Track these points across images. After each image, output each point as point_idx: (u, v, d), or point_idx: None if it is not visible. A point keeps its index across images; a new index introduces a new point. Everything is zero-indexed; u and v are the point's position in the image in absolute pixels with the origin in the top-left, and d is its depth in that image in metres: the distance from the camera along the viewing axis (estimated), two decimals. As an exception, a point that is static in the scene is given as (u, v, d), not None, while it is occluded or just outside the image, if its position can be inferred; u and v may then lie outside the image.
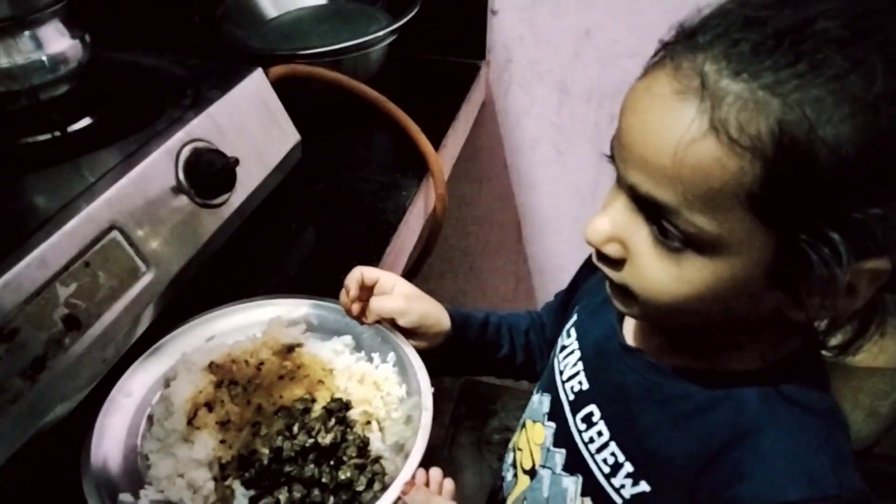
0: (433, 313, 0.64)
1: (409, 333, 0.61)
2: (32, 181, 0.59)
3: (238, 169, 0.67)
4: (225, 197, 0.67)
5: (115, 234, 0.56)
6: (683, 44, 0.40)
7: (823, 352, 0.48)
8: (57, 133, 0.62)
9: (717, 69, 0.37)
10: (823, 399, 0.47)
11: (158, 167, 0.62)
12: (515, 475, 0.64)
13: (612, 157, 0.45)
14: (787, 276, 0.40)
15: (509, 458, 0.67)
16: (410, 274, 1.01)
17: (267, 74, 0.78)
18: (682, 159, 0.38)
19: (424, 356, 0.59)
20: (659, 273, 0.43)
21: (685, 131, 0.38)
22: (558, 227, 1.39)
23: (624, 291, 0.46)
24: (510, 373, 0.74)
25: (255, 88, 0.75)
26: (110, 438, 0.52)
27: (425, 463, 0.52)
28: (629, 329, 0.55)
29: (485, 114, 1.25)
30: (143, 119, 0.66)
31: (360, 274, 0.62)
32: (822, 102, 0.35)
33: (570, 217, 1.36)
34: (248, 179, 0.71)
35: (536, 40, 1.17)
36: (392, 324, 0.61)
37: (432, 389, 0.55)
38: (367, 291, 0.62)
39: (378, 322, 0.61)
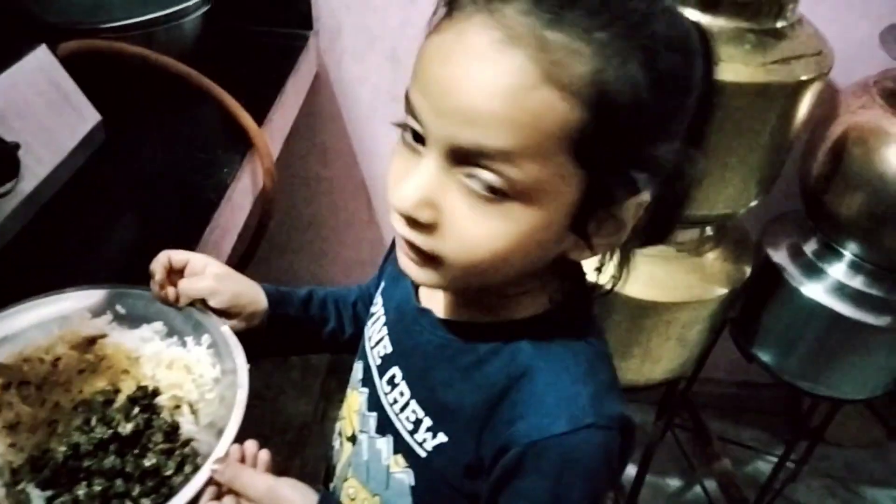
0: (247, 292, 0.63)
1: (223, 314, 0.60)
2: None
3: (22, 154, 0.62)
4: (9, 186, 0.62)
5: None
6: None
7: (598, 286, 0.53)
8: None
9: (534, 18, 0.38)
10: (587, 335, 0.51)
11: (-80, 158, 0.56)
12: (341, 444, 0.65)
13: (411, 115, 0.43)
14: (584, 217, 0.44)
15: (336, 427, 0.68)
16: (247, 254, 0.98)
17: (56, 50, 0.72)
18: (516, 104, 0.39)
19: (245, 337, 0.59)
20: (476, 229, 0.42)
21: (515, 78, 0.38)
22: (405, 194, 1.40)
23: (429, 260, 0.45)
24: (342, 347, 0.73)
25: (40, 66, 0.69)
26: None
27: (262, 439, 0.52)
28: (423, 291, 0.57)
29: (319, 84, 1.23)
30: None
31: (166, 258, 0.60)
32: (623, 49, 0.39)
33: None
34: (38, 165, 0.66)
35: (364, 8, 1.16)
36: (205, 305, 0.60)
37: (248, 366, 0.55)
38: (177, 275, 0.61)
39: (191, 305, 0.60)
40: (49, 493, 0.47)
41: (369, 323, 0.63)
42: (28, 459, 0.47)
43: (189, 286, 0.59)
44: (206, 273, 0.61)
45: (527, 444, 0.46)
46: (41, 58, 0.69)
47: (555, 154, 0.40)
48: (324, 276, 1.58)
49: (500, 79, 0.39)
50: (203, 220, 0.75)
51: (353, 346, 0.72)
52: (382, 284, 0.65)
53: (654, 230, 0.48)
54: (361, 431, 0.61)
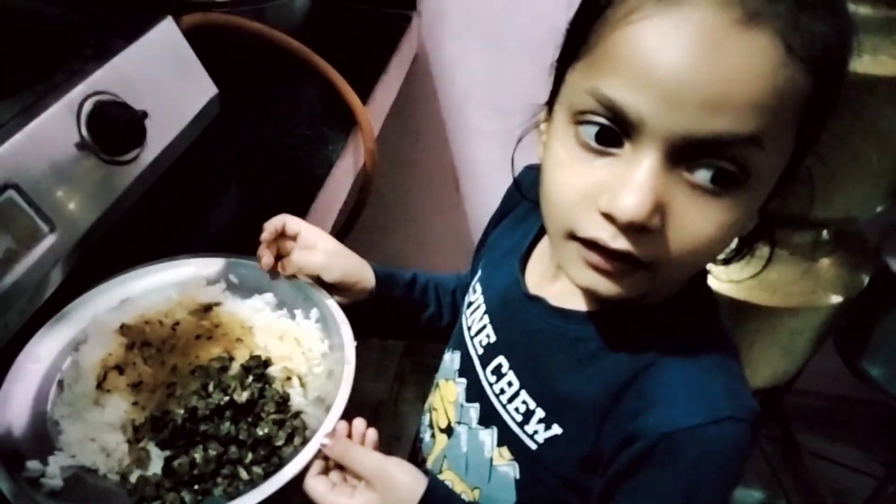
0: (356, 270, 0.63)
1: (331, 289, 0.61)
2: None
3: (148, 123, 0.64)
4: (135, 153, 0.64)
5: (10, 193, 0.53)
6: None
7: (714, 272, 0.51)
8: (-58, 85, 0.58)
9: None
10: (715, 325, 0.49)
11: (58, 122, 0.58)
12: (433, 435, 0.64)
13: (609, 112, 0.39)
14: (773, 196, 0.43)
15: (425, 419, 0.67)
16: (343, 231, 0.99)
17: (179, 23, 0.74)
18: (765, 85, 0.36)
19: (349, 314, 0.59)
20: (704, 226, 0.39)
21: (763, 57, 0.36)
22: (495, 181, 1.38)
23: (637, 268, 0.41)
24: (438, 334, 0.71)
25: (165, 38, 0.71)
26: (16, 405, 0.50)
27: (351, 415, 0.52)
28: (531, 278, 0.56)
29: (417, 66, 1.22)
30: (39, 70, 0.61)
31: (281, 222, 0.60)
32: (841, 28, 0.39)
33: (507, 171, 1.36)
34: (161, 134, 0.67)
35: (468, -10, 1.15)
36: (314, 279, 0.61)
37: (355, 343, 0.55)
38: (285, 240, 0.61)
39: (295, 276, 0.60)
40: (167, 452, 0.48)
41: (467, 312, 0.62)
42: (149, 419, 0.49)
43: (301, 259, 0.60)
44: (317, 247, 0.61)
45: (658, 436, 0.43)
46: (167, 29, 0.71)
47: (789, 130, 0.39)
48: (406, 257, 1.58)
49: (747, 60, 0.36)
50: (309, 196, 0.75)
51: (448, 334, 0.71)
52: (480, 273, 0.63)
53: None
54: (460, 423, 0.59)
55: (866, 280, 1.02)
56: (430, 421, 0.65)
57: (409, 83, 1.22)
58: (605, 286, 0.43)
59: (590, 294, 0.50)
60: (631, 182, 0.38)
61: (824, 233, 1.00)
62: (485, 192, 1.42)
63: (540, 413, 0.51)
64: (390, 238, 1.56)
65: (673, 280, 0.44)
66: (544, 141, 0.48)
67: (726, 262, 0.49)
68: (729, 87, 0.36)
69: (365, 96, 0.91)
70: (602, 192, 0.40)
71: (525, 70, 1.21)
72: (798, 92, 0.38)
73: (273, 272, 0.60)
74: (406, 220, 1.52)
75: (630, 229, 0.39)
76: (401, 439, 1.55)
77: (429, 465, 0.65)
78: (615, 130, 0.39)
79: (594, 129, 0.40)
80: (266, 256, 0.60)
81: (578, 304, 0.51)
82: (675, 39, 0.37)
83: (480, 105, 1.27)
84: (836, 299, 0.97)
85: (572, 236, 0.42)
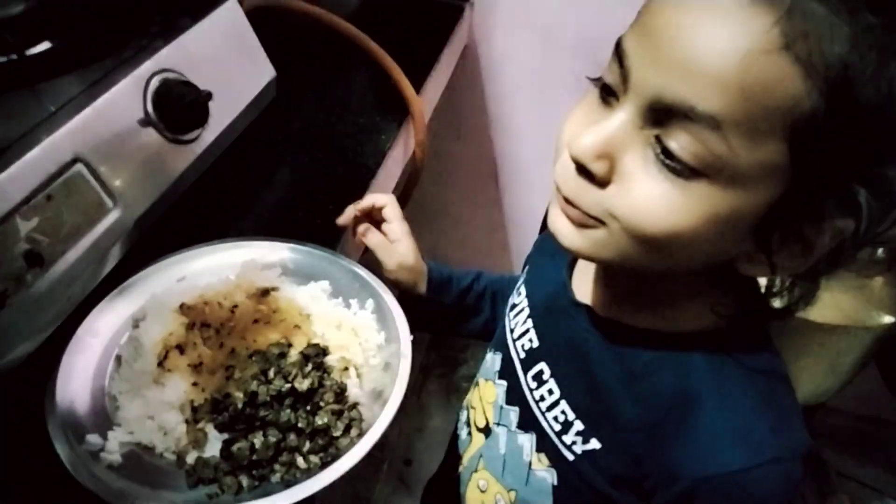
0: (412, 277, 0.65)
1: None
2: (-13, 106, 0.55)
3: (210, 104, 0.63)
4: (196, 132, 0.64)
5: (79, 167, 0.53)
6: None
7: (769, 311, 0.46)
8: (13, 56, 0.58)
9: None
10: (767, 359, 0.46)
11: (125, 98, 0.58)
12: (470, 433, 0.63)
13: (617, 62, 0.39)
14: (773, 224, 0.39)
15: (463, 415, 0.66)
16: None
17: (242, 4, 0.74)
18: (746, 68, 0.34)
19: (400, 304, 0.58)
20: (656, 198, 0.38)
21: (756, 40, 0.34)
22: (536, 178, 1.37)
23: (590, 221, 0.41)
24: (490, 337, 0.70)
25: (229, 18, 0.71)
26: (77, 379, 0.50)
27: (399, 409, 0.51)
28: (578, 284, 0.54)
29: (466, 58, 1.21)
30: (109, 45, 0.61)
31: (384, 202, 0.65)
32: (888, 45, 0.34)
33: (549, 168, 1.34)
34: (221, 115, 0.67)
35: (523, -17, 1.13)
36: (369, 267, 0.60)
37: (411, 337, 0.55)
38: (368, 219, 0.66)
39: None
40: (226, 436, 0.48)
41: (511, 314, 0.61)
42: (209, 400, 0.48)
43: (376, 244, 0.63)
44: (395, 246, 0.64)
45: (698, 479, 0.43)
46: (231, 10, 0.71)
47: (770, 136, 0.35)
48: (440, 250, 1.58)
49: (739, 35, 0.34)
50: (362, 185, 0.75)
51: None
52: (525, 275, 0.62)
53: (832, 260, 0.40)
54: (499, 424, 0.59)
55: (919, 301, 0.99)
56: (468, 418, 0.65)
57: (457, 74, 1.21)
58: (566, 235, 0.43)
59: (629, 304, 0.49)
60: (594, 126, 0.39)
61: (879, 250, 0.97)
62: (524, 189, 1.41)
63: (579, 425, 0.50)
64: (425, 230, 1.55)
65: (630, 253, 0.41)
66: None
67: (769, 295, 0.46)
68: (709, 54, 0.35)
69: (416, 86, 0.90)
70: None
71: (575, 67, 1.20)
72: (792, 97, 0.34)
73: (348, 225, 0.65)
74: (442, 212, 1.51)
75: (580, 172, 0.40)
76: (423, 431, 1.55)
77: (464, 462, 0.64)
78: (613, 85, 0.40)
79: (600, 84, 0.41)
80: (345, 216, 0.64)
81: (628, 316, 0.49)
82: (684, 2, 0.37)
83: (527, 100, 1.25)
84: (889, 319, 0.94)
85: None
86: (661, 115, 0.37)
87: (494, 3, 1.15)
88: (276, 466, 0.46)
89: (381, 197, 0.64)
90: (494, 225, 1.49)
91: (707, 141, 0.36)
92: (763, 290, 0.46)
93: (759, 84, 0.34)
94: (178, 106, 0.60)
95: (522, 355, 0.57)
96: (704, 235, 0.39)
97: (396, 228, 0.64)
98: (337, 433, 0.48)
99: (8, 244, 0.47)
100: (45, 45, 0.60)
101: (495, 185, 1.41)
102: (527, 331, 0.57)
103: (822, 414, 1.38)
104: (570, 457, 0.51)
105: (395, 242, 0.64)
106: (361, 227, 0.65)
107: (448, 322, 0.69)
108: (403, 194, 0.95)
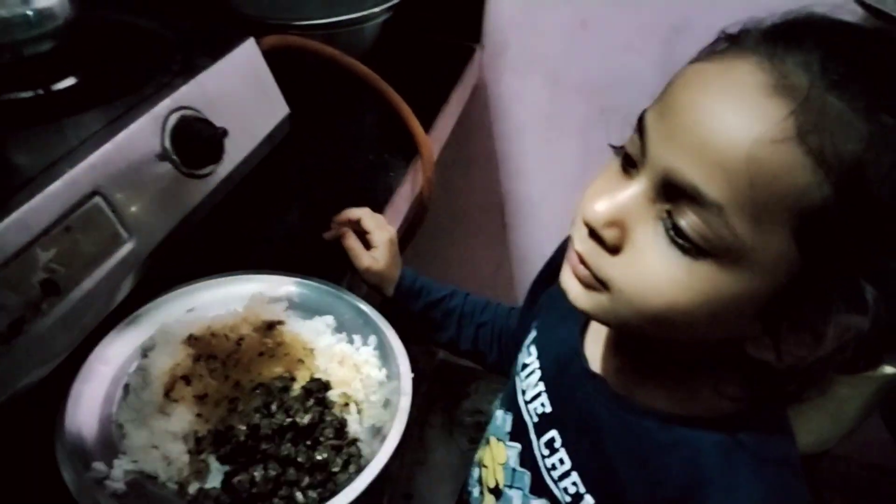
0: (377, 282, 0.71)
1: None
2: (13, 139, 0.57)
3: (225, 140, 0.66)
4: (211, 168, 0.66)
5: (97, 199, 0.55)
6: (774, 39, 0.37)
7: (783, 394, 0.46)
8: (40, 91, 0.60)
9: (818, 75, 0.35)
10: (779, 446, 0.46)
11: (145, 133, 0.60)
12: (481, 493, 0.63)
13: (638, 135, 0.41)
14: (782, 311, 0.38)
15: (475, 472, 0.66)
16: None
17: (259, 43, 0.77)
18: (755, 157, 0.35)
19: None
20: (661, 273, 0.39)
21: (768, 129, 0.35)
22: (542, 216, 1.39)
23: (596, 283, 0.42)
24: (455, 354, 0.78)
25: (247, 58, 0.73)
26: (86, 406, 0.51)
27: (401, 445, 0.52)
28: (591, 351, 0.54)
29: (476, 98, 1.24)
30: (130, 82, 0.64)
31: (358, 216, 0.71)
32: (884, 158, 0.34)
33: (554, 207, 1.36)
34: (236, 151, 0.69)
35: (533, 27, 1.16)
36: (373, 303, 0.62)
37: (412, 374, 0.56)
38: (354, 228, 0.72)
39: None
40: (227, 468, 0.49)
41: (522, 374, 0.60)
42: (212, 432, 0.49)
43: (355, 252, 0.69)
44: (372, 253, 0.70)
45: None
46: (248, 50, 0.74)
47: (776, 224, 0.36)
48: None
49: (753, 122, 0.35)
50: (370, 221, 0.77)
51: (466, 356, 0.78)
52: (534, 334, 0.62)
53: (854, 358, 0.40)
54: (511, 487, 0.58)
55: (921, 350, 0.99)
56: (480, 476, 0.65)
57: (467, 113, 1.23)
58: (573, 290, 0.44)
59: (643, 382, 0.49)
60: (609, 194, 0.41)
61: (881, 298, 0.97)
62: (530, 226, 1.43)
63: (590, 500, 0.50)
64: (428, 264, 1.57)
65: (632, 321, 0.42)
66: None
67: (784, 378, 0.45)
68: (714, 138, 0.36)
69: (427, 125, 0.93)
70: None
71: (580, 109, 1.23)
72: (801, 187, 0.35)
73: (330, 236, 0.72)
74: (448, 246, 1.53)
75: (592, 237, 0.42)
76: (424, 465, 1.54)
77: None
78: (633, 156, 0.41)
79: (622, 154, 0.43)
80: (330, 232, 0.71)
81: (641, 393, 0.49)
82: (707, 83, 0.38)
83: (534, 140, 1.28)
84: (891, 370, 0.94)
85: None
86: (672, 192, 0.38)
87: (504, 45, 1.18)
88: (275, 500, 0.47)
89: (355, 211, 0.71)
90: (499, 261, 1.50)
91: (711, 223, 0.37)
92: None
93: (766, 171, 0.35)
94: (196, 142, 0.62)
95: (535, 419, 0.56)
96: (706, 313, 0.39)
97: (375, 238, 0.70)
98: (335, 469, 0.48)
99: (26, 273, 0.49)
100: (70, 81, 0.63)
101: (502, 221, 1.43)
102: (539, 394, 0.57)
103: (827, 461, 1.36)
104: None
105: (372, 249, 0.70)
106: (343, 230, 0.71)
107: (413, 328, 0.73)
108: (410, 229, 0.97)
